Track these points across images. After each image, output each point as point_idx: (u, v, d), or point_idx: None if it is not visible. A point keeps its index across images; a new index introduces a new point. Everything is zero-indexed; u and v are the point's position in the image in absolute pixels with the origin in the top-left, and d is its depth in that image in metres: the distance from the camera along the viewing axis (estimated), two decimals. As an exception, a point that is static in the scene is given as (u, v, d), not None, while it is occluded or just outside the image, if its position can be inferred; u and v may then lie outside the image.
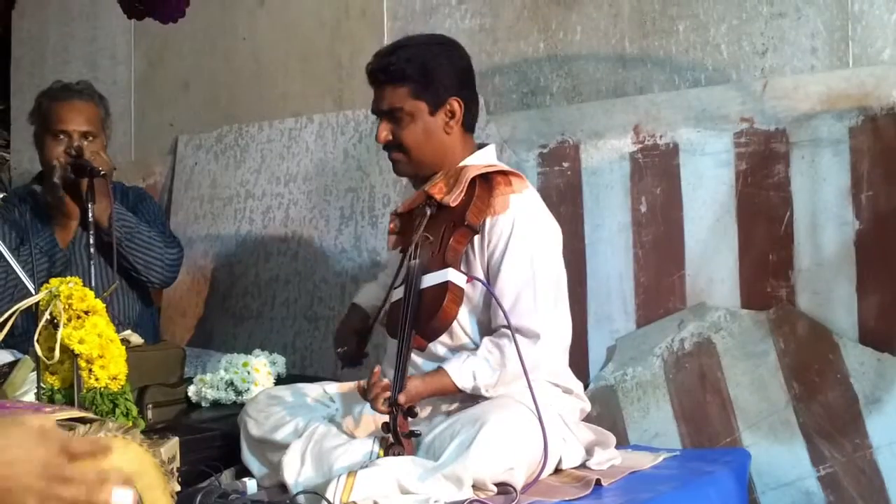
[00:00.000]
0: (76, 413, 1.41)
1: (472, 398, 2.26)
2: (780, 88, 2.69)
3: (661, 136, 2.84)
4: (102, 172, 2.82)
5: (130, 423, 1.70)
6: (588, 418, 2.51)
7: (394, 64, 2.36)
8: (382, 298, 2.45)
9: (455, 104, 2.38)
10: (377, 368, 2.21)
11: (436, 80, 2.36)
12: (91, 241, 2.74)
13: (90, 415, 1.46)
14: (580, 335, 2.82)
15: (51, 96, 3.08)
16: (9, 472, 1.12)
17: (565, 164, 2.97)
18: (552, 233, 2.41)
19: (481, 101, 3.05)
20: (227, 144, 3.73)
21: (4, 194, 2.73)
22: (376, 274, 2.87)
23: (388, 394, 2.12)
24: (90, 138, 3.00)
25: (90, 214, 2.78)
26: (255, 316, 3.51)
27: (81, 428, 1.31)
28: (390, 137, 2.39)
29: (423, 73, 2.35)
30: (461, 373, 2.23)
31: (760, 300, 2.68)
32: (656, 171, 2.84)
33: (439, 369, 2.25)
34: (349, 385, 2.42)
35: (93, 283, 2.57)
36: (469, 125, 2.44)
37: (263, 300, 3.51)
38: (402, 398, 2.11)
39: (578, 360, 2.68)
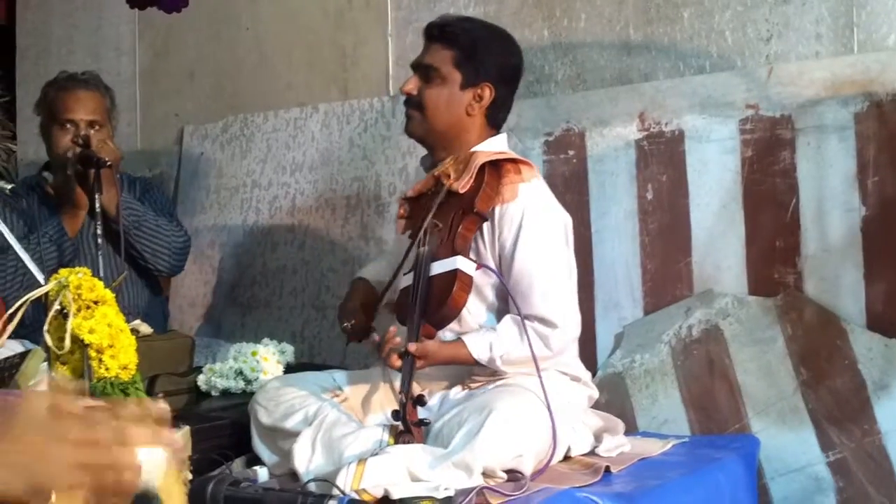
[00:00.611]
0: (89, 402, 1.41)
1: (480, 381, 2.27)
2: (785, 75, 2.68)
3: (666, 124, 2.83)
4: (109, 163, 2.82)
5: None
6: (596, 405, 2.52)
7: (451, 26, 2.41)
8: (388, 276, 2.45)
9: (486, 90, 2.40)
10: (392, 327, 2.22)
11: (480, 59, 2.39)
12: (99, 230, 2.75)
13: (102, 403, 1.46)
14: (588, 322, 2.81)
15: (57, 86, 3.09)
16: (24, 447, 1.11)
17: (571, 152, 2.97)
18: (562, 222, 2.41)
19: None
20: (233, 134, 3.73)
21: (13, 185, 2.73)
22: (393, 250, 2.85)
23: (401, 348, 2.13)
24: (96, 128, 3.01)
25: (97, 204, 2.78)
26: (263, 305, 3.52)
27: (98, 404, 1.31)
28: (415, 92, 2.41)
29: (473, 47, 2.38)
30: (478, 343, 2.24)
31: (767, 287, 2.68)
32: (662, 159, 2.83)
33: (457, 339, 2.26)
34: (358, 373, 2.42)
35: (101, 273, 2.57)
36: (493, 119, 2.45)
37: (271, 289, 3.51)
38: (412, 347, 2.13)
39: (586, 348, 2.69)
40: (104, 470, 1.13)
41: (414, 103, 2.42)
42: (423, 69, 2.41)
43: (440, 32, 2.41)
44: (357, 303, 2.51)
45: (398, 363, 2.14)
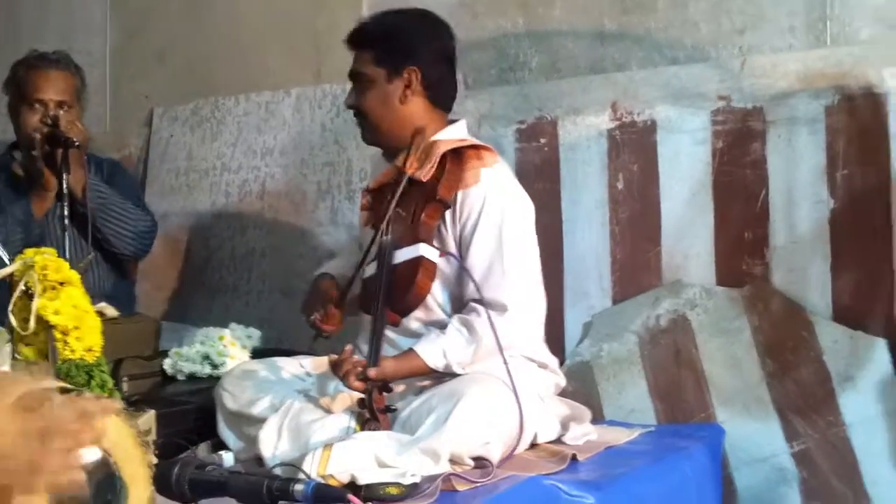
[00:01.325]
0: (54, 383, 1.39)
1: (445, 374, 2.27)
2: (758, 67, 2.69)
3: (638, 114, 2.84)
4: (77, 143, 2.79)
5: (107, 394, 1.69)
6: (564, 394, 2.52)
7: (364, 29, 2.42)
8: (350, 270, 2.44)
9: (411, 74, 2.38)
10: (348, 346, 2.21)
11: (397, 48, 2.38)
12: (66, 212, 2.72)
13: (67, 385, 1.45)
14: (556, 312, 2.82)
15: (27, 65, 3.05)
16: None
17: (543, 141, 2.97)
18: (523, 207, 2.41)
19: (459, 75, 3.04)
20: (203, 117, 3.70)
21: (-20, 163, 2.70)
22: (353, 249, 2.85)
23: (359, 369, 2.11)
24: (66, 108, 2.98)
25: (64, 185, 2.75)
26: (231, 290, 3.50)
27: (59, 398, 1.29)
28: (353, 102, 2.43)
29: (387, 39, 2.38)
30: (431, 352, 2.23)
31: (735, 277, 2.69)
32: (634, 149, 2.84)
33: (409, 351, 2.24)
34: (324, 360, 2.41)
35: (67, 254, 2.55)
36: (437, 100, 2.43)
37: (239, 274, 3.49)
38: (372, 373, 2.11)
39: (554, 337, 2.69)
40: (64, 473, 1.13)
41: (358, 114, 2.44)
42: (354, 79, 2.43)
43: (356, 38, 2.42)
44: (319, 294, 2.46)
45: (359, 385, 2.11)
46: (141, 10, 3.87)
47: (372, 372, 2.11)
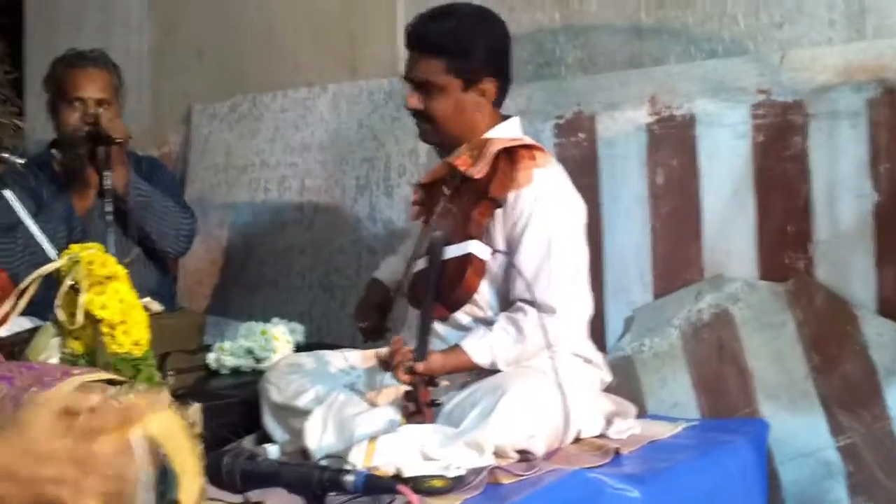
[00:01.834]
0: (104, 375, 1.41)
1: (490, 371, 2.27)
2: (797, 60, 2.67)
3: (677, 108, 2.82)
4: (119, 140, 2.82)
5: (158, 386, 1.71)
6: (607, 389, 2.52)
7: (432, 35, 2.34)
8: (402, 272, 2.45)
9: (490, 85, 2.37)
10: (397, 337, 2.22)
11: (472, 57, 2.34)
12: (108, 208, 2.75)
13: (118, 377, 1.46)
14: (597, 307, 2.78)
15: (65, 63, 3.08)
16: (36, 464, 1.12)
17: (581, 136, 2.96)
18: (574, 208, 2.41)
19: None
20: (242, 114, 3.72)
21: (25, 159, 2.73)
22: (392, 244, 2.87)
23: (409, 363, 2.12)
24: (105, 106, 3.00)
25: (107, 182, 2.78)
26: (271, 285, 3.52)
27: (111, 389, 1.31)
28: (420, 107, 2.38)
29: (461, 48, 2.32)
30: (478, 349, 2.24)
31: (778, 272, 2.67)
32: (673, 143, 2.82)
33: (456, 346, 2.25)
34: (370, 353, 2.43)
35: (111, 251, 2.56)
36: (499, 102, 2.44)
37: (279, 270, 3.51)
38: (420, 367, 2.12)
39: (596, 331, 2.68)
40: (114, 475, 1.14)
41: (423, 117, 2.40)
42: (419, 84, 2.37)
43: (423, 44, 2.35)
44: (372, 303, 2.54)
45: (406, 378, 2.13)
46: (178, 8, 3.89)
47: (420, 366, 2.12)
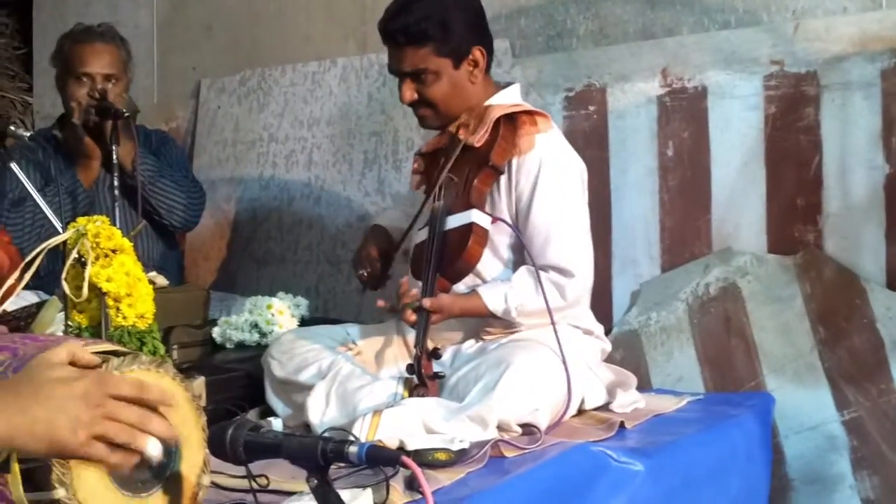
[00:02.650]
0: (109, 346, 1.41)
1: (495, 335, 2.27)
2: (811, 30, 2.64)
3: (689, 80, 2.80)
4: (127, 114, 2.81)
5: (162, 358, 1.71)
6: (612, 362, 2.51)
7: (412, 25, 2.29)
8: (405, 223, 2.45)
9: (478, 53, 2.36)
10: (405, 278, 2.21)
11: (456, 34, 2.31)
12: (115, 182, 2.75)
13: (122, 348, 1.46)
14: (604, 280, 2.81)
15: (73, 39, 3.07)
16: (49, 405, 1.12)
17: (591, 108, 2.94)
18: (578, 171, 2.40)
19: (507, 43, 3.03)
20: (250, 88, 3.71)
21: (31, 133, 2.73)
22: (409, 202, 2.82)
23: (416, 302, 2.12)
24: (113, 81, 3.00)
25: (114, 156, 2.78)
26: (279, 260, 3.52)
27: (115, 360, 1.31)
28: (416, 97, 2.35)
29: (444, 29, 2.30)
30: (493, 294, 2.23)
31: (787, 245, 2.66)
32: (684, 115, 2.81)
33: (472, 291, 2.25)
34: (372, 327, 2.42)
35: (118, 224, 2.57)
36: (489, 66, 2.42)
37: (286, 244, 3.51)
38: (427, 302, 2.12)
39: (602, 305, 2.68)
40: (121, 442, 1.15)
41: (421, 104, 2.37)
42: (410, 75, 2.34)
43: (406, 37, 2.31)
44: (373, 250, 2.47)
45: (413, 318, 2.13)
46: (187, -18, 3.88)
47: (427, 301, 2.11)
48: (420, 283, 2.23)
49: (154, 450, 1.20)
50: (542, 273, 2.23)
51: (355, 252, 2.54)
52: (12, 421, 1.11)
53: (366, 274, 2.40)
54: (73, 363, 1.21)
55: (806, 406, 2.57)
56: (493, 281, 2.29)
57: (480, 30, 2.39)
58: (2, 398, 1.12)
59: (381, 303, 2.20)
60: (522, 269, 2.28)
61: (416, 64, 2.32)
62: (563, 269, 2.25)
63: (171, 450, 1.41)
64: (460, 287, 2.32)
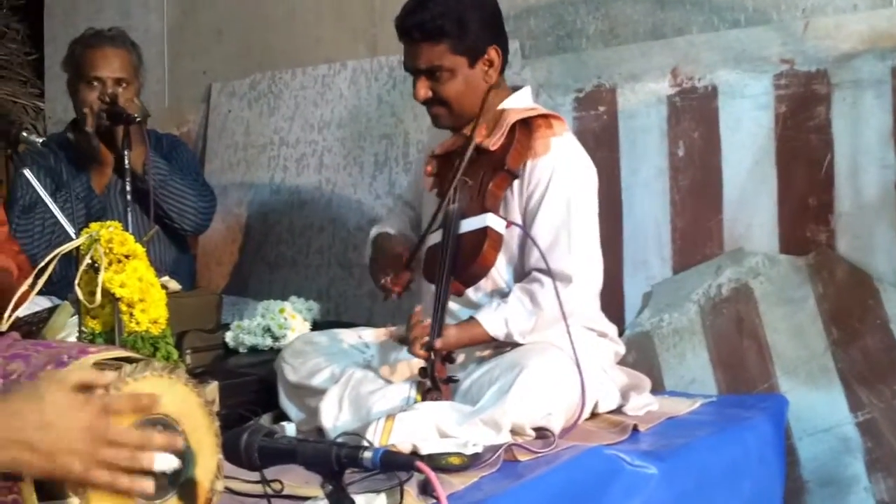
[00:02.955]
0: (121, 353, 1.42)
1: (506, 344, 2.26)
2: (821, 28, 2.63)
3: (699, 79, 2.79)
4: (138, 119, 2.82)
5: (175, 364, 1.71)
6: (624, 364, 2.51)
7: (429, 21, 2.29)
8: (405, 229, 2.45)
9: (493, 53, 2.35)
10: (418, 308, 2.21)
11: (472, 32, 2.31)
12: (128, 187, 2.76)
13: (135, 354, 1.47)
14: (616, 281, 2.80)
15: (84, 43, 3.08)
16: (52, 435, 1.13)
17: (601, 108, 2.93)
18: (590, 176, 2.39)
19: (517, 44, 3.02)
20: (261, 92, 3.72)
21: (43, 139, 2.74)
22: (399, 209, 2.80)
23: (426, 338, 2.12)
24: (124, 85, 3.00)
25: (126, 161, 2.79)
26: (290, 263, 3.52)
27: (127, 367, 1.31)
28: (430, 94, 2.35)
29: (460, 26, 2.29)
30: (493, 321, 2.23)
31: (799, 245, 2.65)
32: (694, 115, 2.80)
33: (471, 319, 2.24)
34: (385, 331, 2.42)
35: (130, 230, 2.57)
36: (503, 67, 2.42)
37: (298, 248, 3.51)
38: (438, 343, 2.12)
39: (614, 306, 2.67)
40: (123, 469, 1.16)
41: (435, 102, 2.37)
42: (425, 72, 2.33)
43: (422, 33, 2.30)
44: (390, 255, 2.43)
45: (423, 354, 2.12)
46: (197, -13, 3.89)
47: (438, 343, 2.11)
48: (431, 288, 2.23)
49: (164, 464, 1.21)
50: (542, 279, 2.22)
51: (371, 262, 2.49)
52: (12, 450, 1.12)
53: (388, 280, 2.34)
54: (83, 386, 1.22)
55: (819, 408, 2.56)
56: (491, 302, 2.27)
57: (497, 29, 2.39)
58: (7, 424, 1.13)
59: (393, 331, 2.20)
60: (516, 288, 2.27)
61: (432, 61, 2.32)
62: (563, 275, 2.23)
63: (186, 456, 1.41)
64: (473, 293, 2.32)
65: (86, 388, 1.24)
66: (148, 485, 1.20)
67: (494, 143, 2.28)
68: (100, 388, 1.25)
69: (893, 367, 2.49)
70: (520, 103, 2.39)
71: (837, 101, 2.60)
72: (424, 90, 2.35)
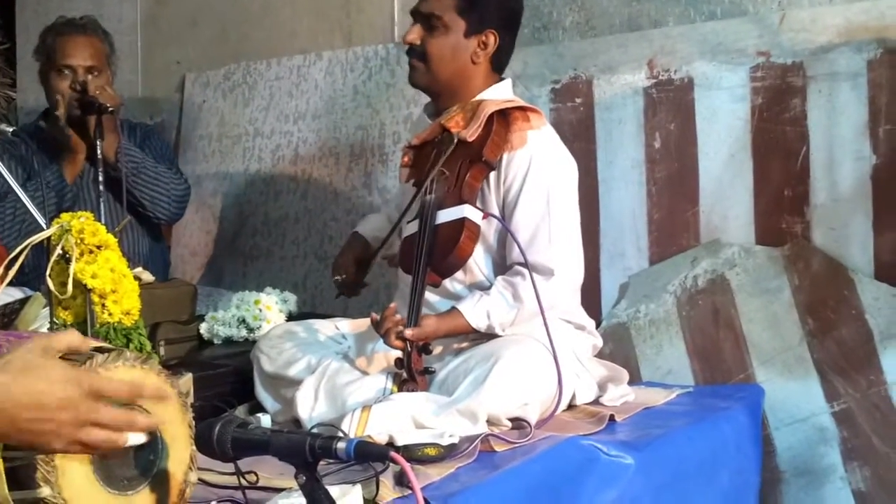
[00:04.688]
0: (93, 343, 1.40)
1: (484, 335, 2.25)
2: (797, 21, 2.64)
3: (675, 71, 2.79)
4: (111, 108, 2.80)
5: (147, 355, 1.70)
6: (601, 356, 2.51)
7: None
8: (386, 230, 2.44)
9: (491, 36, 2.36)
10: (393, 304, 2.20)
11: (483, 4, 2.33)
12: (100, 177, 2.73)
13: (107, 345, 1.45)
14: (593, 273, 2.80)
15: (55, 32, 3.06)
16: (36, 413, 1.11)
17: (578, 100, 2.93)
18: (569, 169, 2.39)
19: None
20: (235, 82, 3.69)
21: (14, 128, 2.70)
22: (392, 208, 2.82)
23: (400, 328, 2.11)
24: (95, 73, 2.98)
25: (98, 150, 2.76)
26: (265, 255, 3.50)
27: (99, 357, 1.29)
28: (418, 42, 2.36)
29: None
30: (475, 312, 2.22)
31: (775, 236, 2.66)
32: (670, 107, 2.80)
33: (453, 309, 2.23)
34: (361, 322, 2.41)
35: (102, 219, 2.55)
36: (497, 64, 2.42)
37: (273, 239, 3.49)
38: (408, 333, 2.10)
39: (591, 298, 2.67)
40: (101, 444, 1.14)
41: (418, 53, 2.37)
42: (424, 18, 2.36)
43: None
44: (350, 257, 2.51)
45: (398, 344, 2.11)
46: (171, -25, 3.85)
47: (408, 332, 2.10)
48: (408, 279, 2.22)
49: (135, 439, 1.19)
50: (524, 272, 2.22)
51: (334, 259, 2.60)
52: None
53: (340, 279, 2.47)
54: (70, 351, 1.20)
55: (796, 398, 2.57)
56: (472, 294, 2.27)
57: (507, 21, 2.40)
58: None
59: (374, 316, 2.19)
60: (499, 280, 2.27)
61: (434, 9, 2.34)
62: (543, 268, 2.23)
63: (158, 447, 1.40)
64: (450, 284, 2.31)
65: (73, 353, 1.22)
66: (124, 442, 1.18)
67: (472, 134, 2.27)
68: (85, 352, 1.24)
69: (868, 357, 2.50)
70: (499, 95, 2.38)
71: (813, 94, 2.61)
72: (415, 35, 2.37)
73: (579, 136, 2.89)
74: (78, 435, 1.12)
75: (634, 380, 2.61)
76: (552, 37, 3.02)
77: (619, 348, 2.78)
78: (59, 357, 1.17)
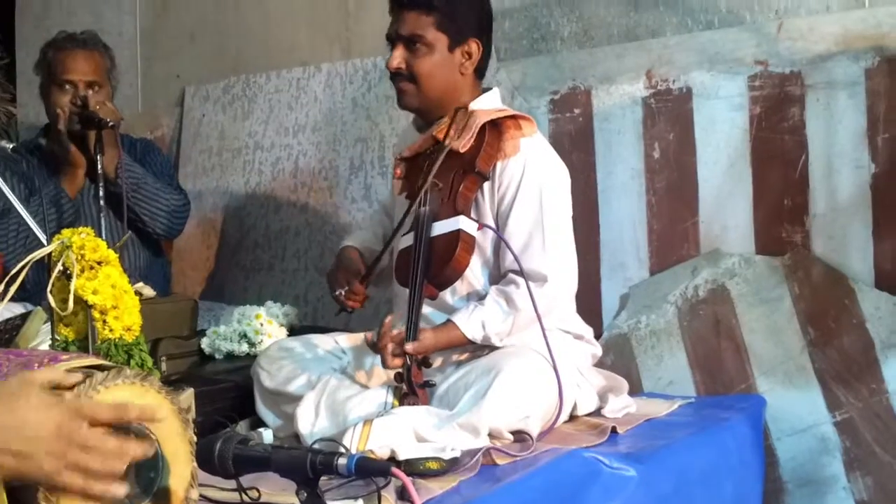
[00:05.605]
0: (93, 360, 1.40)
1: (483, 347, 2.25)
2: (794, 30, 2.64)
3: (673, 81, 2.80)
4: (111, 123, 2.80)
5: (147, 371, 1.69)
6: (602, 366, 2.51)
7: None
8: (375, 241, 2.44)
9: (474, 46, 2.35)
10: (388, 319, 2.19)
11: (461, 14, 2.32)
12: (101, 192, 2.74)
13: (107, 362, 1.45)
14: (593, 283, 2.80)
15: (55, 46, 3.06)
16: (22, 434, 1.11)
17: (576, 111, 2.93)
18: (562, 176, 2.39)
19: (491, 47, 3.01)
20: (235, 95, 3.70)
21: (14, 144, 2.71)
22: (378, 219, 2.80)
23: (393, 345, 2.10)
24: (96, 88, 2.99)
25: (99, 166, 2.76)
26: (266, 268, 3.50)
27: (99, 375, 1.29)
28: (403, 66, 2.34)
29: (450, 5, 2.30)
30: (470, 323, 2.22)
31: (775, 246, 2.66)
32: (669, 116, 2.80)
33: (448, 322, 2.23)
34: (361, 336, 2.41)
35: (103, 235, 2.55)
36: (481, 71, 2.41)
37: (274, 252, 3.50)
38: (409, 347, 2.10)
39: (591, 309, 2.68)
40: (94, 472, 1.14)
41: (405, 77, 2.35)
42: (405, 40, 2.33)
43: (412, 1, 2.31)
44: (347, 270, 2.43)
45: (397, 363, 2.10)
46: (170, -11, 3.86)
47: (409, 347, 2.09)
48: (405, 292, 2.22)
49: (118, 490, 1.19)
50: (518, 280, 2.21)
51: (328, 274, 2.49)
52: None
53: (343, 293, 2.33)
54: (56, 387, 1.20)
55: (797, 408, 2.57)
56: (467, 305, 2.26)
57: (484, 26, 2.39)
58: None
59: (369, 336, 2.18)
60: (492, 290, 2.26)
61: (414, 29, 2.31)
62: (537, 275, 2.23)
63: (159, 464, 1.40)
64: (447, 296, 2.31)
65: (56, 388, 1.22)
66: (121, 490, 1.18)
67: (464, 144, 2.27)
68: (69, 387, 1.24)
69: (870, 366, 2.50)
70: (489, 104, 2.38)
71: (811, 103, 2.61)
72: (399, 59, 2.34)
73: (578, 146, 2.90)
74: (67, 456, 1.13)
75: (635, 391, 2.61)
76: (550, 48, 3.03)
77: (620, 359, 2.78)
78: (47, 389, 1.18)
